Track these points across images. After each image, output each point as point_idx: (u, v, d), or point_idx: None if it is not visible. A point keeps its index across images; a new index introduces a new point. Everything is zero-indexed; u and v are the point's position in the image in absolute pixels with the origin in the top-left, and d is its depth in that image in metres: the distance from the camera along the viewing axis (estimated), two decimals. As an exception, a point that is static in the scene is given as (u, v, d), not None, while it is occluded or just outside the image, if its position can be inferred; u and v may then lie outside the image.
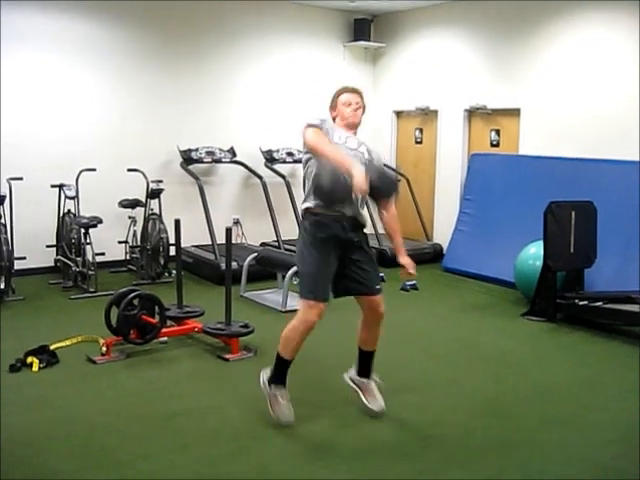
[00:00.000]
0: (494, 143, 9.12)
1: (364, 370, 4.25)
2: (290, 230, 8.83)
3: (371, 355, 4.22)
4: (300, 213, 4.12)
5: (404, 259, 4.10)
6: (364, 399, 4.20)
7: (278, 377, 4.00)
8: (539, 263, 6.59)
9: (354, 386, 4.27)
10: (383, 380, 4.30)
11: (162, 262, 7.74)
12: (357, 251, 4.00)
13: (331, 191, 3.76)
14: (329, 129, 3.99)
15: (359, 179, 3.57)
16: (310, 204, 3.96)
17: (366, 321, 4.12)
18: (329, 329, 5.69)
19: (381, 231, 9.66)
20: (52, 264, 7.99)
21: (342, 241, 3.92)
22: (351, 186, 3.61)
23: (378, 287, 4.05)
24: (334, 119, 4.14)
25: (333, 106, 4.16)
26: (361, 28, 10.15)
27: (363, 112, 4.17)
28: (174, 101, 8.86)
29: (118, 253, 8.31)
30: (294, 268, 6.64)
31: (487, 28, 8.91)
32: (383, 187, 3.96)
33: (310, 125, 3.97)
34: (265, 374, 4.11)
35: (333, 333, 5.35)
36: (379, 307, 4.06)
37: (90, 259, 7.23)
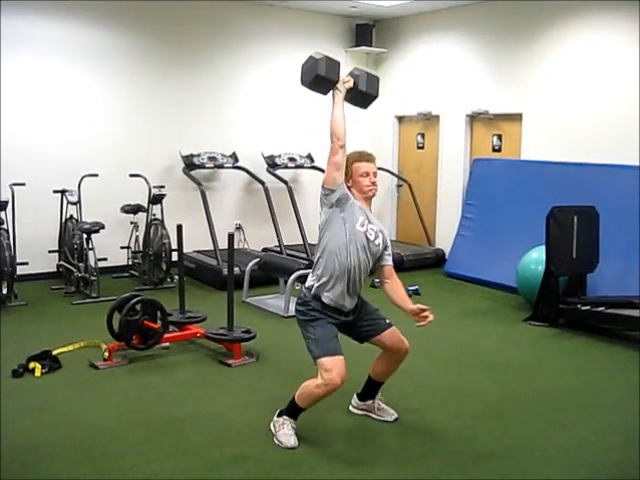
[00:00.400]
0: (496, 148, 9.12)
1: (369, 395, 4.27)
2: (292, 235, 8.84)
3: (380, 385, 4.25)
4: (306, 286, 3.93)
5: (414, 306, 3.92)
6: (376, 417, 4.23)
7: (291, 414, 3.95)
8: (541, 268, 6.58)
9: (362, 412, 4.30)
10: (383, 391, 4.31)
11: (164, 267, 7.74)
12: (359, 313, 4.00)
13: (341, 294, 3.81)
14: (349, 202, 3.80)
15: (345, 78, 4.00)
16: (318, 288, 3.85)
17: (391, 358, 4.09)
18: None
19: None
20: (54, 269, 8.00)
21: (344, 321, 3.91)
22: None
23: (388, 321, 4.07)
24: (348, 189, 3.86)
25: (347, 175, 3.86)
26: (363, 33, 10.16)
27: None
28: (176, 106, 8.88)
29: (120, 258, 8.31)
30: (296, 273, 6.66)
31: (489, 33, 8.92)
32: (365, 84, 4.10)
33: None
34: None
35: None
36: (402, 341, 4.06)
37: (92, 264, 7.24)
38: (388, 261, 3.99)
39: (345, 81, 3.97)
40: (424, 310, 3.81)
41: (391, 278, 4.00)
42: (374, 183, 3.89)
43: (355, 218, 3.79)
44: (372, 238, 3.85)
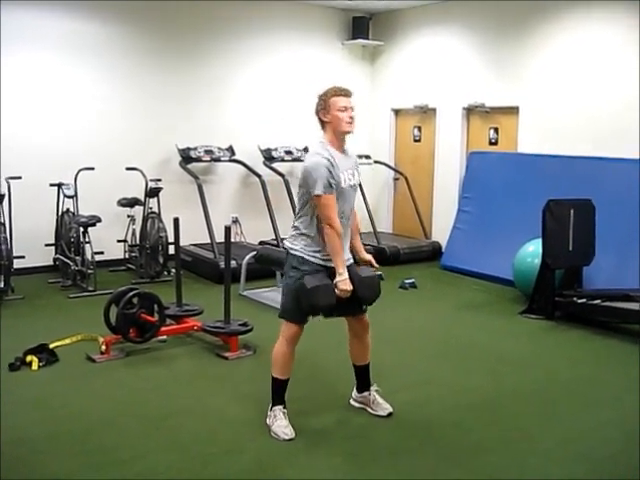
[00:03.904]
0: (492, 141, 9.12)
1: (363, 384, 4.29)
2: (289, 228, 8.82)
3: (367, 369, 4.27)
4: (290, 240, 3.99)
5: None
6: (371, 411, 4.24)
7: (276, 394, 3.99)
8: (537, 261, 6.60)
9: (359, 404, 4.32)
10: (379, 384, 4.33)
11: (161, 261, 7.74)
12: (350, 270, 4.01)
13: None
14: (334, 171, 3.76)
15: (343, 290, 3.76)
16: (303, 245, 3.91)
17: (354, 333, 4.16)
18: (329, 328, 5.71)
19: (379, 229, 9.69)
20: (51, 263, 8.00)
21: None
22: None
23: (364, 308, 4.10)
24: (324, 123, 3.85)
25: (324, 109, 3.81)
26: (359, 26, 10.14)
27: None
28: (173, 100, 8.86)
29: (117, 252, 8.31)
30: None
31: (485, 26, 8.91)
32: (365, 293, 3.92)
33: (323, 192, 3.71)
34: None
35: (333, 334, 5.36)
36: (362, 319, 4.12)
37: (89, 258, 7.24)
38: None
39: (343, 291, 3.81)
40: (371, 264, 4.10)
41: (352, 218, 4.07)
42: (352, 118, 3.83)
43: (336, 176, 3.77)
44: (353, 182, 3.92)
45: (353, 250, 4.15)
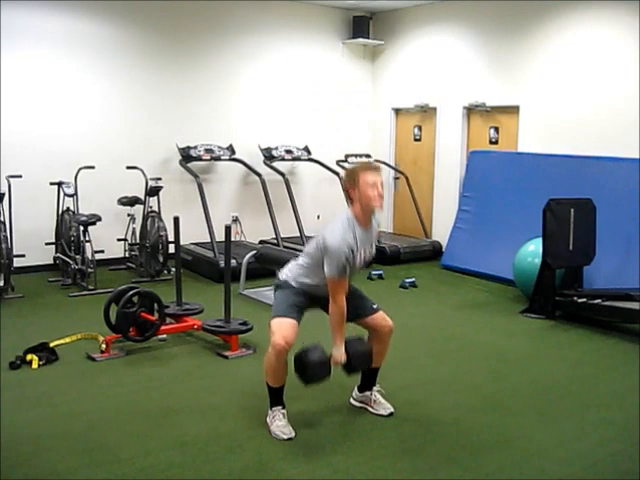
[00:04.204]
0: (493, 140, 9.12)
1: (367, 385, 4.28)
2: (289, 228, 8.85)
3: (376, 372, 4.26)
4: (286, 274, 4.06)
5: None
6: (372, 410, 4.24)
7: (274, 399, 3.99)
8: (538, 260, 6.59)
9: (359, 404, 4.32)
10: (380, 383, 4.32)
11: (161, 260, 7.74)
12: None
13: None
14: (353, 253, 3.77)
15: (337, 363, 3.88)
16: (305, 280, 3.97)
17: (376, 338, 4.13)
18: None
19: (380, 229, 9.68)
20: (51, 262, 8.00)
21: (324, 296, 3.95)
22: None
23: (375, 306, 4.11)
24: (351, 199, 3.81)
25: (353, 184, 3.77)
26: (360, 25, 10.14)
27: None
28: (173, 98, 8.86)
29: (117, 251, 8.32)
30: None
31: (486, 25, 8.91)
32: (357, 362, 4.00)
33: (338, 276, 3.74)
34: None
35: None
36: (385, 320, 4.10)
37: (89, 257, 7.23)
38: None
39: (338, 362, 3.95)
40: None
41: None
42: (381, 195, 3.77)
43: (355, 254, 3.80)
44: (368, 257, 3.96)
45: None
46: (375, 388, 4.28)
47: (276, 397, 3.97)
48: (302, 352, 3.89)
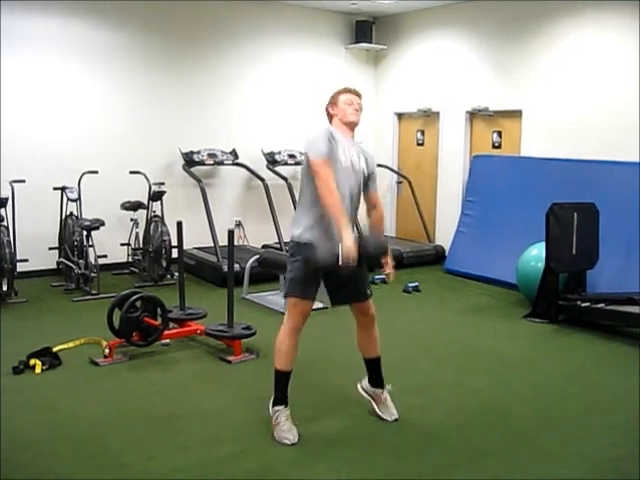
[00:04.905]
0: (496, 145, 9.12)
1: (376, 379, 4.25)
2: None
3: (377, 362, 4.23)
4: (291, 235, 3.98)
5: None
6: (377, 409, 4.23)
7: (277, 395, 3.96)
8: (541, 265, 6.59)
9: (367, 396, 4.29)
10: (392, 385, 4.30)
11: (164, 264, 7.74)
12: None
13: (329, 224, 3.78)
14: (334, 144, 3.85)
15: (348, 248, 3.53)
16: (305, 234, 3.87)
17: (360, 325, 4.14)
18: (333, 331, 5.71)
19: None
20: (54, 266, 8.00)
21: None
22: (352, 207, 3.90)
23: (369, 291, 4.09)
24: (331, 116, 4.06)
25: (333, 103, 4.05)
26: (363, 30, 10.16)
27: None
28: (176, 103, 8.87)
29: (120, 255, 8.32)
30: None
31: (489, 30, 8.92)
32: (372, 255, 3.80)
33: (318, 156, 3.77)
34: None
35: (337, 335, 5.36)
36: (369, 310, 4.09)
37: (92, 261, 7.24)
38: (372, 186, 4.14)
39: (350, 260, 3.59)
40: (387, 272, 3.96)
41: (376, 207, 4.16)
42: (357, 110, 4.00)
43: (335, 149, 3.85)
44: (355, 159, 3.97)
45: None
46: (388, 387, 4.25)
47: (282, 388, 3.94)
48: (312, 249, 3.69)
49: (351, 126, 4.03)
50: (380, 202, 4.23)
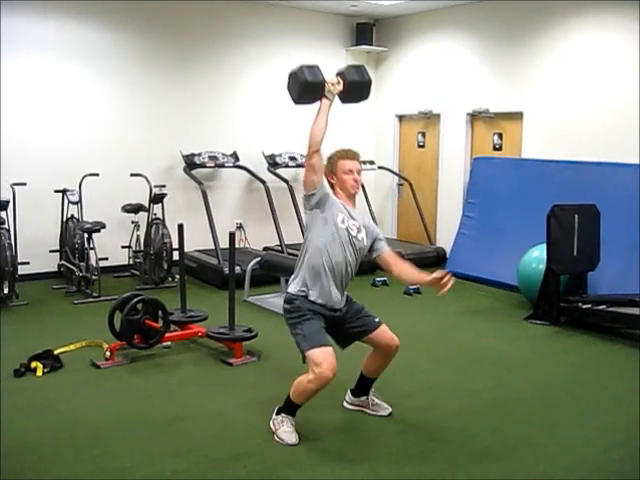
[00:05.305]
0: (497, 147, 9.12)
1: (362, 391, 4.28)
2: (293, 234, 8.84)
3: (374, 381, 4.26)
4: (285, 295, 3.98)
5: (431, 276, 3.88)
6: (371, 412, 4.25)
7: (288, 411, 3.95)
8: (542, 266, 6.59)
9: (356, 408, 4.31)
10: (384, 390, 4.33)
11: (165, 267, 7.74)
12: (347, 310, 4.01)
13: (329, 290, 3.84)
14: (329, 201, 3.85)
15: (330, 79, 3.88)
16: (304, 288, 3.89)
17: (382, 355, 4.09)
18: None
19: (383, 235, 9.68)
20: (56, 269, 8.00)
21: (333, 317, 3.92)
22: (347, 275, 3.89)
23: (377, 320, 4.07)
24: (332, 186, 3.95)
25: (331, 172, 3.94)
26: (363, 32, 10.16)
27: None
28: (177, 105, 8.88)
29: (121, 258, 8.32)
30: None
31: (489, 32, 8.92)
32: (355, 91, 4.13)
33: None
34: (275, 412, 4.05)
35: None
36: (392, 339, 4.04)
37: (93, 264, 7.25)
38: (384, 248, 4.04)
39: (335, 83, 3.94)
40: (444, 276, 3.77)
41: (396, 262, 4.05)
42: (357, 181, 3.94)
43: (335, 215, 3.84)
44: (354, 233, 3.90)
45: (412, 279, 4.17)
46: (371, 392, 4.27)
47: (293, 409, 3.94)
48: (298, 69, 3.97)
49: (352, 197, 3.99)
50: (395, 255, 4.12)
